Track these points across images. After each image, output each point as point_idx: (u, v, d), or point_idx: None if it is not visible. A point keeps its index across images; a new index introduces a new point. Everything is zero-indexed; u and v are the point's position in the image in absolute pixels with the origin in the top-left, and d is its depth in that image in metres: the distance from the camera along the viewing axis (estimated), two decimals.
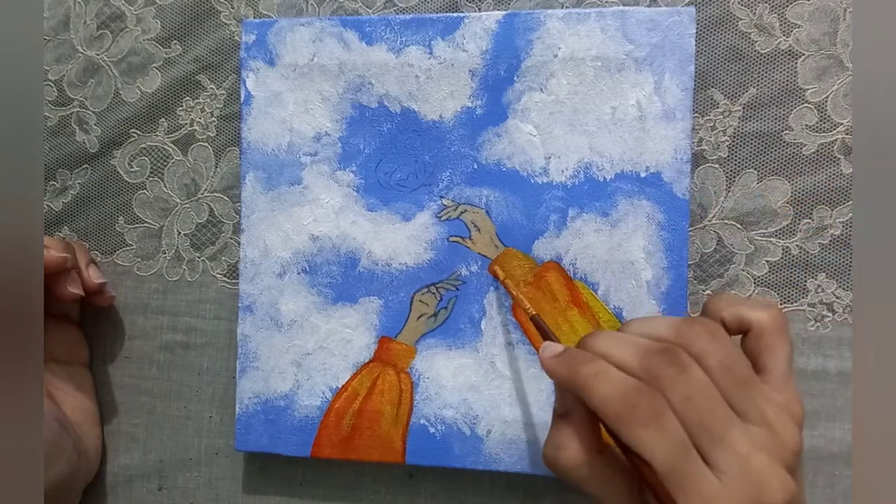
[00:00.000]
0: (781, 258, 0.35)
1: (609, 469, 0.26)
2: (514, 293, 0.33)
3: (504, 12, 0.35)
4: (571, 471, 0.26)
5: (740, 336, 0.29)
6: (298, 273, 0.37)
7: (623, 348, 0.26)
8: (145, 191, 0.40)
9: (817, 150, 0.35)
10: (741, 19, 0.35)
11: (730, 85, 0.36)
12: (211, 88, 0.40)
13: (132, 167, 0.41)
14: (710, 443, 0.24)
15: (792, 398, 0.26)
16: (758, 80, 0.35)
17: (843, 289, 0.35)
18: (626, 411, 0.24)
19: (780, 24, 0.35)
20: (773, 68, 0.35)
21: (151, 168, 0.40)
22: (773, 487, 0.23)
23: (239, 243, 0.37)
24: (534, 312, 0.31)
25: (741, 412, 0.25)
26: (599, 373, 0.25)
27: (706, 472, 0.24)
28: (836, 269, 0.35)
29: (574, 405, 0.27)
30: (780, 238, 0.35)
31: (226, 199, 0.40)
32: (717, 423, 0.24)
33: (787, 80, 0.35)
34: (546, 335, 0.30)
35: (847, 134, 0.35)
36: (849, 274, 0.35)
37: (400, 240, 0.36)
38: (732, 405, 0.25)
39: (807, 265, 0.35)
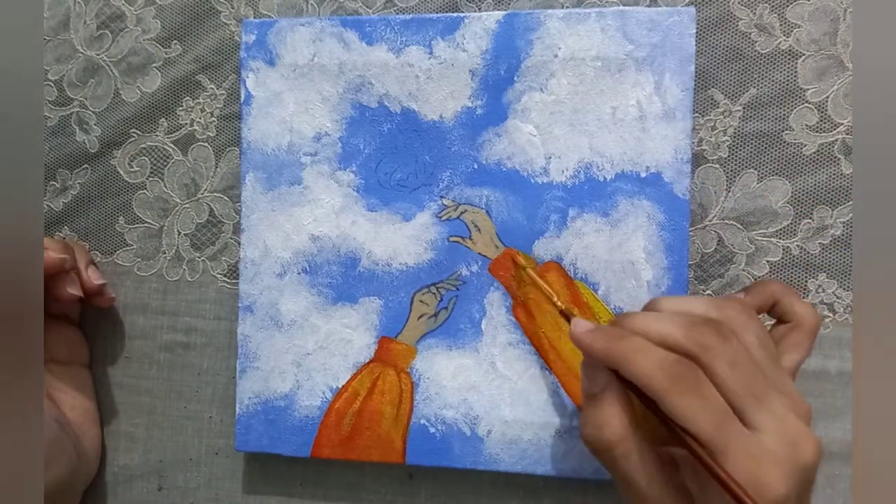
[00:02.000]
0: (782, 258, 0.35)
1: (645, 445, 0.27)
2: (539, 282, 0.33)
3: (504, 12, 0.35)
4: (616, 446, 0.26)
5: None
6: (298, 273, 0.37)
7: (664, 323, 0.27)
8: (145, 191, 0.40)
9: (818, 150, 0.35)
10: (741, 19, 0.35)
11: (730, 85, 0.36)
12: (211, 88, 0.40)
13: (132, 167, 0.41)
14: (755, 406, 0.25)
15: (794, 385, 0.28)
16: (758, 80, 0.35)
17: (844, 289, 0.35)
18: (670, 382, 0.25)
19: (781, 24, 0.35)
20: (774, 68, 0.35)
21: (151, 168, 0.40)
22: (808, 446, 0.25)
23: (239, 243, 0.37)
24: (562, 305, 0.32)
25: (772, 380, 0.26)
26: (640, 347, 0.26)
27: (747, 434, 0.25)
28: (836, 269, 0.35)
29: (608, 382, 0.27)
30: (780, 238, 0.35)
31: (226, 199, 0.40)
32: (760, 387, 0.25)
33: (788, 80, 0.35)
34: (566, 313, 0.31)
35: (847, 134, 0.35)
36: (849, 274, 0.35)
37: (400, 240, 0.36)
38: (765, 374, 0.26)
39: (807, 265, 0.35)
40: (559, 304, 0.32)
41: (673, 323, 0.27)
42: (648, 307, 0.29)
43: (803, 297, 0.35)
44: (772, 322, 0.31)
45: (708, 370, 0.25)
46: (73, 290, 0.35)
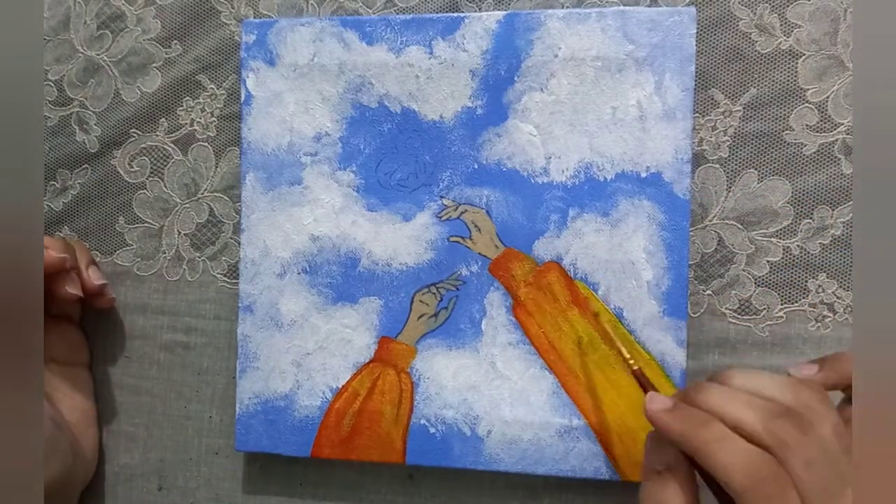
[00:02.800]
0: (782, 258, 0.35)
1: None
2: (618, 343, 0.31)
3: (504, 12, 0.35)
4: None
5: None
6: (298, 273, 0.37)
7: (740, 408, 0.26)
8: (145, 191, 0.40)
9: (818, 150, 0.35)
10: (741, 19, 0.35)
11: (730, 85, 0.36)
12: (211, 88, 0.40)
13: (132, 167, 0.41)
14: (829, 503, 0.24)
15: None
16: (758, 80, 0.35)
17: (844, 289, 0.35)
18: (753, 483, 0.24)
19: (781, 24, 0.35)
20: (774, 68, 0.35)
21: (151, 168, 0.40)
22: None
23: (239, 243, 0.37)
24: (636, 366, 0.30)
25: (845, 476, 0.25)
26: (723, 439, 0.25)
27: None
28: (836, 269, 0.35)
29: (677, 461, 0.27)
30: (780, 238, 0.35)
31: (226, 199, 0.40)
32: (835, 485, 0.24)
33: (788, 80, 0.35)
34: (647, 387, 0.29)
35: (847, 134, 0.35)
36: (849, 274, 0.35)
37: (400, 240, 0.36)
38: (840, 469, 0.25)
39: (807, 265, 0.35)
40: (635, 366, 0.30)
41: (751, 409, 0.25)
42: (718, 379, 0.28)
43: (803, 298, 0.35)
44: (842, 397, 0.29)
45: (784, 467, 0.24)
46: (74, 290, 0.35)
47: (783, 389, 0.26)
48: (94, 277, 0.37)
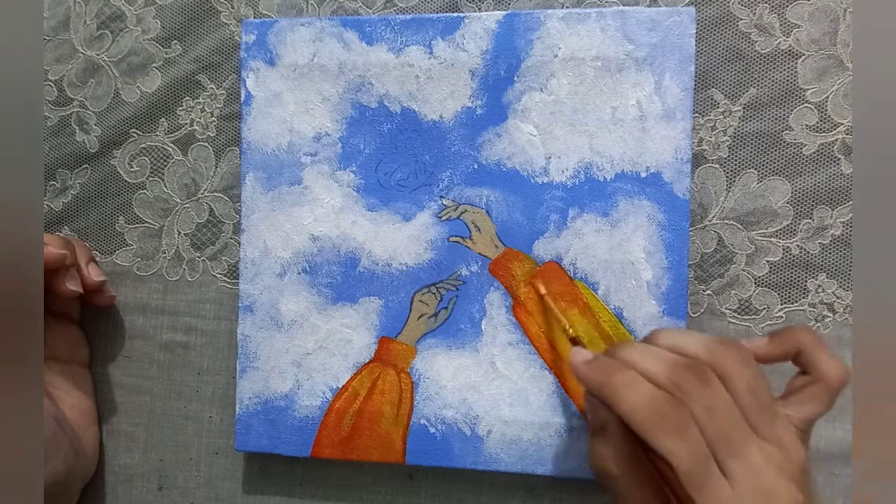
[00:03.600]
0: (782, 258, 0.35)
1: (644, 479, 0.27)
2: (556, 312, 0.33)
3: (504, 12, 0.35)
4: (617, 479, 0.27)
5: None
6: (298, 273, 0.37)
7: (651, 360, 0.27)
8: (145, 191, 0.40)
9: (817, 150, 0.35)
10: (741, 19, 0.35)
11: (730, 85, 0.36)
12: (211, 88, 0.40)
13: (132, 167, 0.41)
14: (728, 454, 0.25)
15: (793, 433, 0.27)
16: (758, 80, 0.35)
17: (844, 289, 0.35)
18: (654, 421, 0.25)
19: (780, 24, 0.35)
20: (774, 68, 0.35)
21: (151, 168, 0.40)
22: (781, 499, 0.25)
23: (239, 243, 0.37)
24: (574, 334, 0.32)
25: (757, 429, 0.26)
26: (630, 383, 0.26)
27: (722, 480, 0.25)
28: (836, 269, 0.35)
29: (609, 417, 0.28)
30: (780, 238, 0.35)
31: (226, 199, 0.40)
32: (736, 436, 0.25)
33: (788, 80, 0.35)
34: (576, 340, 0.31)
35: (847, 134, 0.35)
36: (849, 274, 0.35)
37: (400, 240, 0.36)
38: (750, 423, 0.26)
39: (807, 265, 0.35)
40: (570, 332, 0.32)
41: (659, 361, 0.27)
42: (648, 339, 0.29)
43: (803, 298, 0.35)
44: (797, 371, 0.30)
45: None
46: (74, 286, 0.35)
47: (699, 346, 0.28)
48: (94, 274, 0.37)
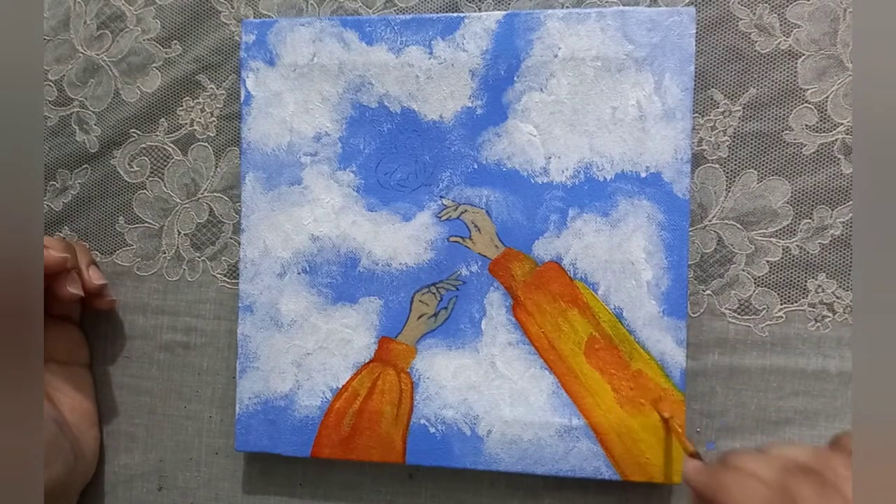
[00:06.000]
0: (782, 258, 0.35)
1: None
2: (681, 436, 0.32)
3: (504, 12, 0.35)
4: None
5: None
6: (298, 273, 0.37)
7: (762, 463, 0.26)
8: (145, 191, 0.40)
9: (817, 150, 0.35)
10: (741, 19, 0.35)
11: (730, 85, 0.36)
12: (211, 88, 0.40)
13: (132, 167, 0.41)
14: None
15: None
16: (758, 80, 0.35)
17: (844, 289, 0.35)
18: None
19: (780, 24, 0.35)
20: (773, 68, 0.35)
21: (151, 168, 0.40)
22: None
23: (239, 243, 0.37)
24: (693, 450, 0.31)
25: None
26: (739, 482, 0.26)
27: None
28: (836, 269, 0.35)
29: None
30: (780, 238, 0.35)
31: (226, 199, 0.40)
32: None
33: (787, 80, 0.35)
34: (695, 455, 0.31)
35: (847, 134, 0.35)
36: (849, 274, 0.35)
37: (400, 240, 0.36)
38: None
39: (807, 265, 0.35)
40: (690, 449, 0.31)
41: (771, 464, 0.26)
42: (759, 449, 0.28)
43: (803, 298, 0.35)
44: None
45: None
46: (74, 289, 0.35)
47: (809, 453, 0.27)
48: (94, 277, 0.37)
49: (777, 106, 0.35)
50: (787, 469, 0.26)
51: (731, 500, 0.25)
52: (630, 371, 0.34)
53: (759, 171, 0.35)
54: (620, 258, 0.34)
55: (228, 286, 0.40)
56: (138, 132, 0.40)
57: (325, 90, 0.37)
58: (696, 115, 0.36)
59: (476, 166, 0.35)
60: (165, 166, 0.40)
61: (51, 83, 0.41)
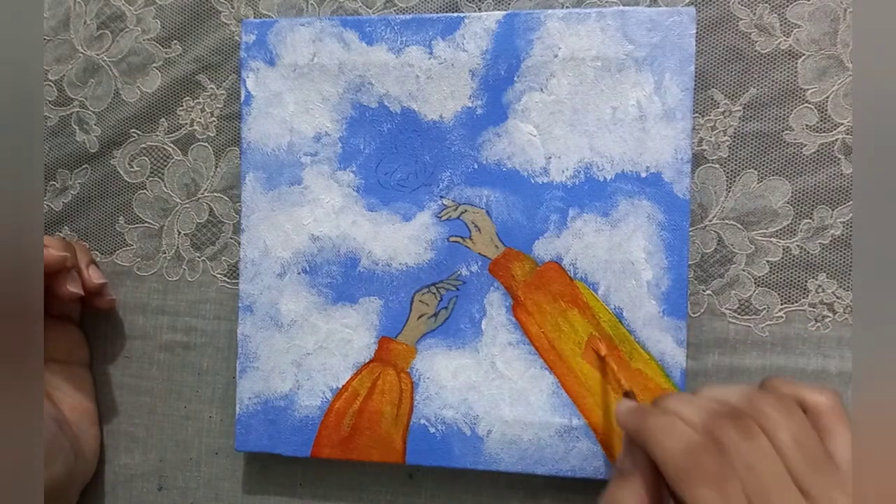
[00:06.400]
0: (782, 258, 0.35)
1: None
2: (616, 372, 0.34)
3: (504, 12, 0.35)
4: None
5: None
6: (298, 273, 0.37)
7: (691, 407, 0.26)
8: (145, 191, 0.40)
9: (818, 150, 0.35)
10: (741, 19, 0.35)
11: (730, 85, 0.36)
12: (211, 88, 0.40)
13: (132, 167, 0.41)
14: None
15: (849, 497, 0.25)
16: (758, 80, 0.35)
17: (844, 289, 0.35)
18: (690, 468, 0.24)
19: (781, 24, 0.35)
20: (774, 68, 0.35)
21: (151, 168, 0.40)
22: None
23: (239, 243, 0.37)
24: (628, 388, 0.32)
25: (807, 492, 0.24)
26: (668, 427, 0.25)
27: None
28: (836, 269, 0.35)
29: (639, 464, 0.27)
30: (780, 238, 0.35)
31: (226, 199, 0.40)
32: (778, 497, 0.23)
33: (788, 80, 0.35)
34: (629, 395, 0.32)
35: (847, 134, 0.35)
36: (849, 274, 0.35)
37: (400, 240, 0.36)
38: (799, 483, 0.24)
39: (807, 265, 0.35)
40: (625, 386, 0.33)
41: (700, 409, 0.26)
42: (693, 391, 0.28)
43: (803, 298, 0.35)
44: None
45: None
46: (74, 288, 0.35)
47: (741, 396, 0.27)
48: (94, 277, 0.37)
49: (777, 106, 0.35)
50: (715, 413, 0.26)
51: (659, 442, 0.25)
52: (630, 371, 0.34)
53: (759, 171, 0.35)
54: (620, 258, 0.34)
55: (228, 286, 0.39)
56: (138, 132, 0.40)
57: (326, 90, 0.37)
58: (697, 115, 0.36)
59: (476, 166, 0.35)
60: (165, 166, 0.40)
61: (51, 83, 0.41)
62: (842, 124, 0.35)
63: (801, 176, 0.35)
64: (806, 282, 0.35)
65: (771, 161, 0.35)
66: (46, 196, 0.41)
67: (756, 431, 0.25)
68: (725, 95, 0.36)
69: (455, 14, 0.36)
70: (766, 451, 0.24)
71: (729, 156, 0.36)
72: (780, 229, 0.35)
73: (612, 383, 0.34)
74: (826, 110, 0.35)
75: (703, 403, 0.26)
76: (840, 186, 0.35)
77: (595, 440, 0.34)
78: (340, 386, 0.36)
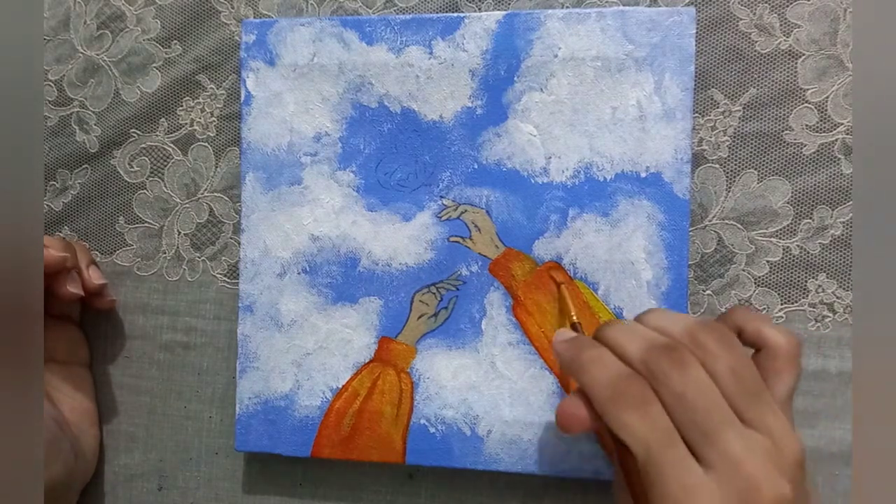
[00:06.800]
0: (782, 258, 0.35)
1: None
2: (569, 300, 0.34)
3: (504, 12, 0.35)
4: (578, 433, 0.27)
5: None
6: (298, 273, 0.37)
7: (629, 338, 0.26)
8: (145, 191, 0.40)
9: (817, 150, 0.35)
10: (741, 19, 0.35)
11: (730, 85, 0.36)
12: (211, 88, 0.40)
13: (132, 167, 0.41)
14: (701, 440, 0.24)
15: (787, 424, 0.25)
16: (758, 80, 0.35)
17: (844, 289, 0.35)
18: (613, 396, 0.25)
19: (780, 24, 0.35)
20: (774, 68, 0.35)
21: (151, 168, 0.40)
22: (763, 490, 0.23)
23: (239, 243, 0.37)
24: (576, 321, 0.32)
25: (744, 418, 0.24)
26: (598, 359, 0.26)
27: (691, 462, 0.23)
28: (836, 269, 0.35)
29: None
30: (780, 238, 0.35)
31: (226, 199, 0.40)
32: (711, 423, 0.24)
33: (788, 80, 0.35)
34: (574, 327, 0.32)
35: (847, 134, 0.35)
36: (849, 274, 0.35)
37: (400, 240, 0.36)
38: (736, 410, 0.24)
39: (807, 265, 0.35)
40: (573, 318, 0.32)
41: (637, 340, 0.26)
42: (638, 318, 0.29)
43: (803, 298, 0.35)
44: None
45: (657, 396, 0.25)
46: (74, 289, 0.35)
47: (681, 326, 0.26)
48: (94, 277, 0.37)
49: (777, 106, 0.35)
50: (652, 344, 0.26)
51: (587, 372, 0.26)
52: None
53: (759, 171, 0.35)
54: (620, 258, 0.34)
55: (228, 286, 0.40)
56: (138, 132, 0.40)
57: (325, 90, 0.37)
58: (697, 115, 0.36)
59: (476, 166, 0.35)
60: (165, 166, 0.40)
61: (51, 83, 0.41)
62: (842, 124, 0.35)
63: (801, 176, 0.35)
64: (806, 282, 0.35)
65: (771, 161, 0.35)
66: (46, 196, 0.41)
67: (689, 362, 0.25)
68: (725, 95, 0.36)
69: (455, 14, 0.36)
70: (698, 380, 0.24)
71: (729, 156, 0.36)
72: (780, 229, 0.35)
73: (564, 313, 0.34)
74: (826, 110, 0.35)
75: (641, 333, 0.27)
76: (840, 186, 0.35)
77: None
78: (340, 386, 0.36)
